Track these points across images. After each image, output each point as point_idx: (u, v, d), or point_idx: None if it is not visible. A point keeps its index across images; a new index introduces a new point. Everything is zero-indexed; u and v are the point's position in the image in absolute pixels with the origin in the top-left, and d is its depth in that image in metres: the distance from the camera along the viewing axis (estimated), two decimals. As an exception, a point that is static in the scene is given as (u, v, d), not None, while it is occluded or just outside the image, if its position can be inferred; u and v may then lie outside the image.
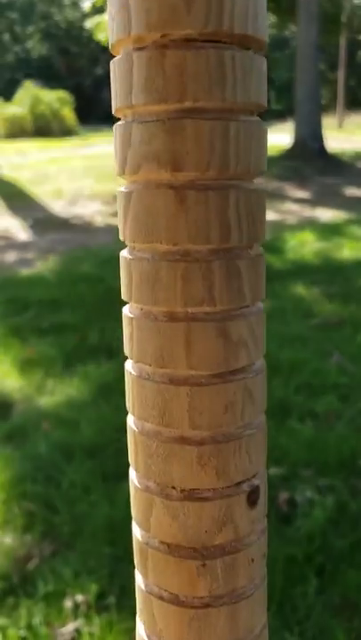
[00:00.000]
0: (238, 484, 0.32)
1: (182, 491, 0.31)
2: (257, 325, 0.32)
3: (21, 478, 1.85)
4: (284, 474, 1.83)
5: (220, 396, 0.30)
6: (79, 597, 1.40)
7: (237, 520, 0.31)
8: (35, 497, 1.76)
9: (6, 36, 23.55)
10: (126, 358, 0.35)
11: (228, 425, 0.31)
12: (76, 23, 23.70)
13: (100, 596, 1.41)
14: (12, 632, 1.31)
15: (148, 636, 0.34)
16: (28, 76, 18.77)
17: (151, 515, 0.32)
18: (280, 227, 5.64)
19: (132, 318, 0.32)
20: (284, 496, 1.72)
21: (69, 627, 1.33)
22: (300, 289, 3.71)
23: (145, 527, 0.33)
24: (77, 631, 1.32)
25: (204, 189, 0.29)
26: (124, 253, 0.33)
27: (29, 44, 23.66)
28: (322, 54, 11.06)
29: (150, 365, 0.31)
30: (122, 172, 0.31)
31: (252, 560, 0.32)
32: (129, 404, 0.34)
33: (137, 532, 0.34)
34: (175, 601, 0.32)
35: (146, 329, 0.31)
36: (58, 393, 2.43)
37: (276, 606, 1.37)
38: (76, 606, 1.38)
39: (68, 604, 1.39)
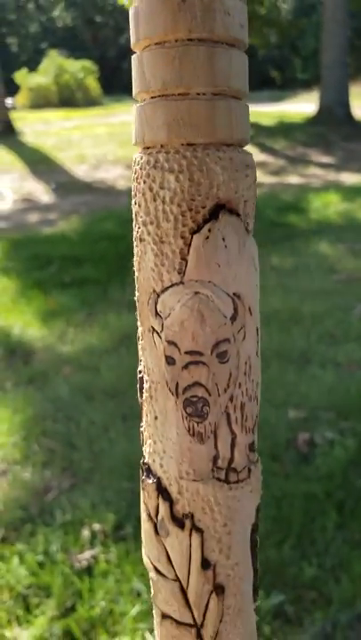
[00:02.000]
0: None
1: None
2: None
3: (42, 417, 1.85)
4: (304, 416, 1.80)
5: None
6: (96, 527, 1.40)
7: None
8: (55, 435, 1.76)
9: (31, 5, 23.34)
10: None
11: None
12: (100, -8, 23.39)
13: (118, 526, 1.42)
14: (29, 557, 1.32)
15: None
16: (53, 45, 18.57)
17: None
18: (304, 189, 5.54)
19: None
20: (303, 437, 1.70)
21: (86, 554, 1.33)
22: (323, 247, 3.65)
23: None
24: (94, 558, 1.32)
25: None
26: None
27: (54, 13, 23.42)
28: (351, 19, 10.73)
29: None
30: None
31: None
32: None
33: None
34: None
35: None
36: (79, 341, 2.42)
37: (295, 539, 1.36)
38: (94, 535, 1.39)
39: (85, 533, 1.39)
